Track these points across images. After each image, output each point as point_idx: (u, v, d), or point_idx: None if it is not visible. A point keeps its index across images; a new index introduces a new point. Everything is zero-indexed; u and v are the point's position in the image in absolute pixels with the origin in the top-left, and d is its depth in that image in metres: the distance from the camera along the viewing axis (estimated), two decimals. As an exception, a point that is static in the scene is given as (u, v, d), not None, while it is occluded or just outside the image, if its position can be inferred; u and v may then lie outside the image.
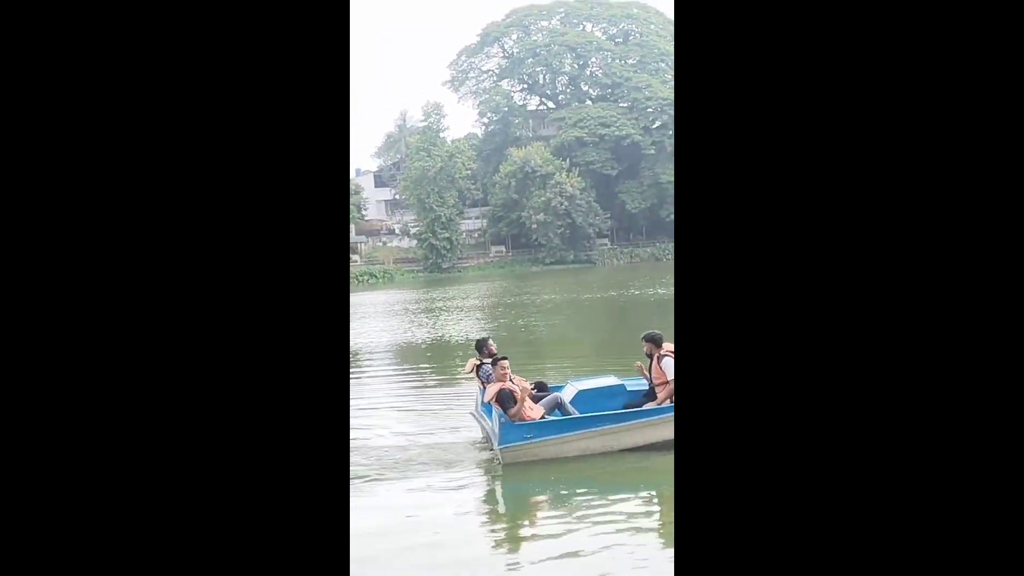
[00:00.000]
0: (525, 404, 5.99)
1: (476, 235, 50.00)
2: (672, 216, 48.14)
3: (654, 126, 48.16)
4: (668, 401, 6.06)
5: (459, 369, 12.16)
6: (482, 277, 41.70)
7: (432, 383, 10.75)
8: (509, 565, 4.37)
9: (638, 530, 4.69)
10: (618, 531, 4.61)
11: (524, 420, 5.89)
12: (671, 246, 48.12)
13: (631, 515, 4.97)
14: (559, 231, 44.39)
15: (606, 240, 47.55)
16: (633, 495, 5.41)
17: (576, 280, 34.26)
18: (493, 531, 4.97)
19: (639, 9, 51.98)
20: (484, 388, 6.49)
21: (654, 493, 5.39)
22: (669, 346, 6.22)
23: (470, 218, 49.38)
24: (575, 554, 4.28)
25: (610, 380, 6.75)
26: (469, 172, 47.76)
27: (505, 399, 5.88)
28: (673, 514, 4.37)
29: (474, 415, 6.95)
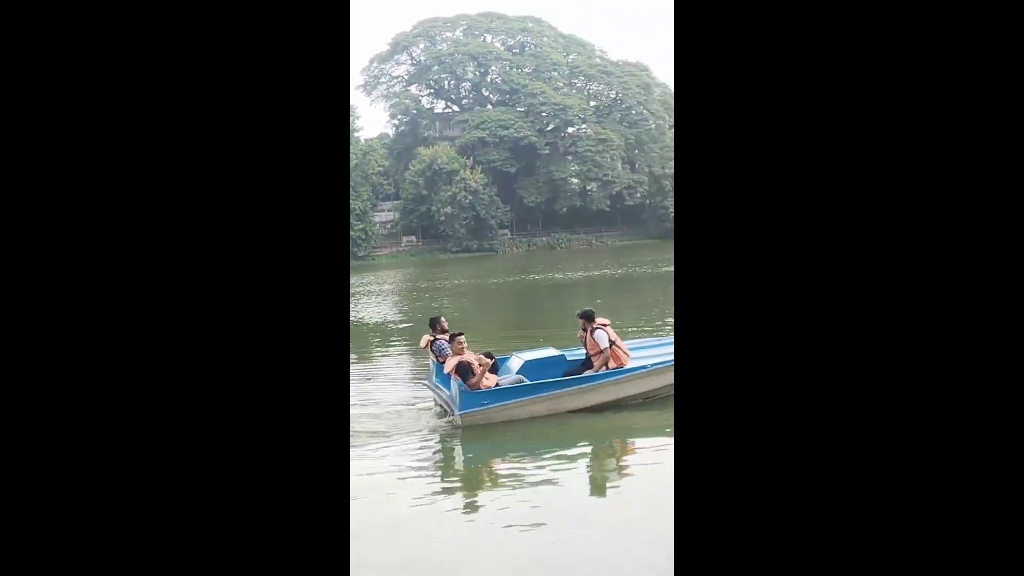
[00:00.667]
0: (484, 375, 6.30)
1: (389, 226, 52.08)
2: (565, 209, 52.69)
3: (548, 128, 52.19)
4: (603, 368, 6.60)
5: (378, 349, 11.97)
6: (395, 265, 43.61)
7: (363, 360, 10.72)
8: (480, 526, 4.41)
9: (590, 479, 5.26)
10: (571, 480, 5.10)
11: (481, 389, 6.29)
12: (565, 236, 51.86)
13: (581, 467, 5.49)
14: (464, 223, 47.40)
15: (507, 231, 51.01)
16: (580, 450, 5.81)
17: (481, 267, 35.54)
18: (454, 490, 5.12)
19: (533, 23, 55.91)
20: (440, 361, 6.87)
21: (596, 448, 5.86)
22: (601, 320, 6.85)
23: (383, 211, 51.73)
24: (537, 506, 4.51)
25: (551, 351, 7.25)
26: (381, 169, 50.24)
27: (464, 370, 6.25)
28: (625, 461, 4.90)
29: (428, 385, 7.26)
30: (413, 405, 7.34)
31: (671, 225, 46.63)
